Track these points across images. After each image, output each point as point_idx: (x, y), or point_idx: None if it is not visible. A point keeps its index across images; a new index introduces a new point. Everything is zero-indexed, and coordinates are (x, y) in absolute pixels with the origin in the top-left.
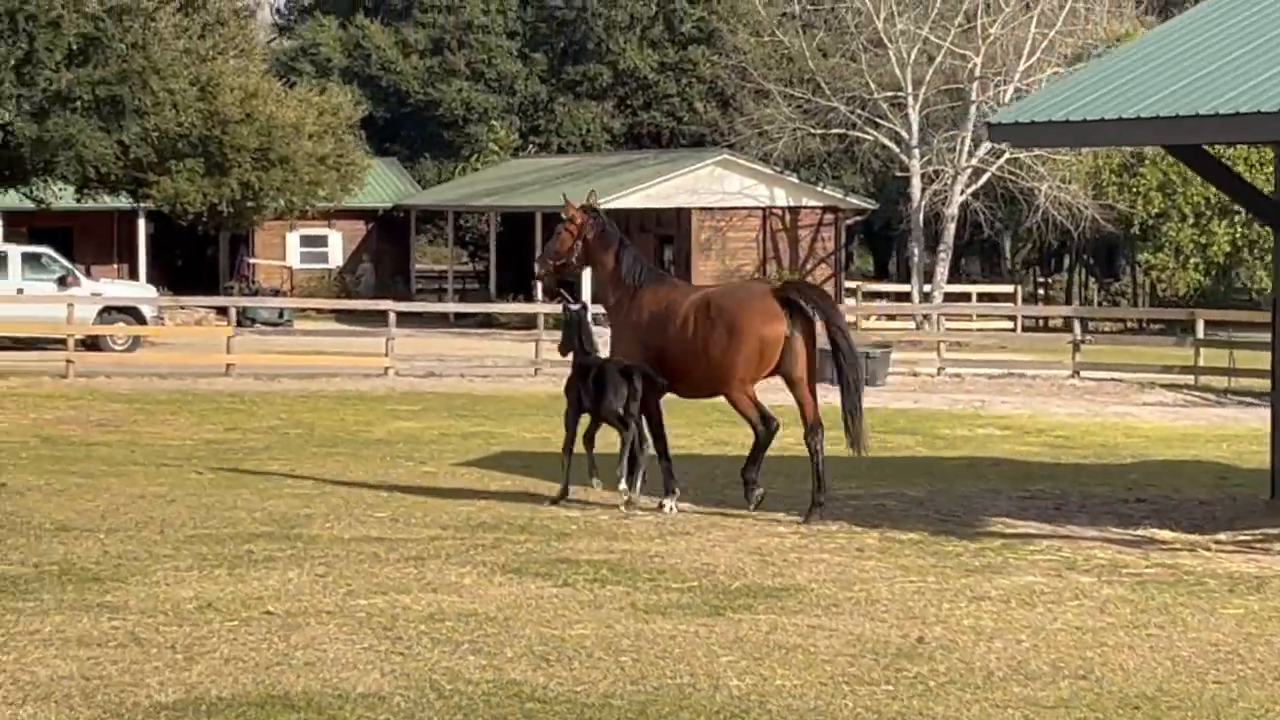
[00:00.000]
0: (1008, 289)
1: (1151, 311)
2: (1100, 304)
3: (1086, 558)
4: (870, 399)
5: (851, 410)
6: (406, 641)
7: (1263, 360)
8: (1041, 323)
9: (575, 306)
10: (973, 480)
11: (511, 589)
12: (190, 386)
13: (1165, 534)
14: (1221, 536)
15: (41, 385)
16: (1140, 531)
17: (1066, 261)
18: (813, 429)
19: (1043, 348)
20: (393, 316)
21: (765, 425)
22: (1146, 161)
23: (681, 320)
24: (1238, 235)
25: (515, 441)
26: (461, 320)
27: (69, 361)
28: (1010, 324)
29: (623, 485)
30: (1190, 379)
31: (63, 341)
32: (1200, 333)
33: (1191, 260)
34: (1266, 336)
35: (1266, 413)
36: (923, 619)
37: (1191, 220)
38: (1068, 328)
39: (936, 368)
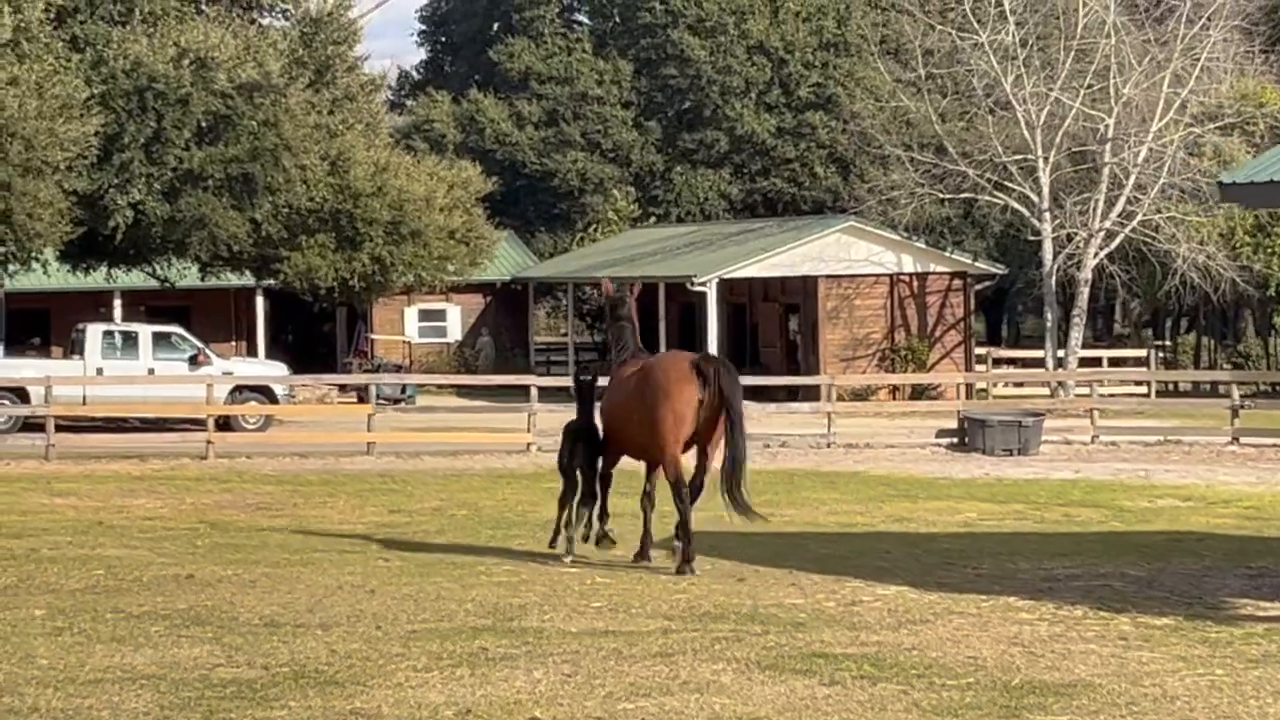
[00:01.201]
0: (1139, 353)
1: None
2: (1223, 367)
3: None
4: (1029, 469)
5: (733, 480)
6: None
7: None
8: (1171, 387)
9: (585, 376)
10: (1187, 557)
11: (778, 688)
12: (334, 466)
13: None
14: None
15: (185, 467)
16: None
17: (1172, 324)
18: (692, 487)
19: (1195, 413)
20: (534, 391)
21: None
22: None
23: (624, 388)
24: None
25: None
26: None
27: (209, 442)
28: (1144, 389)
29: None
30: None
31: (193, 422)
32: None
33: None
34: None
35: None
36: (1238, 719)
37: None
38: (1198, 391)
39: (1090, 435)
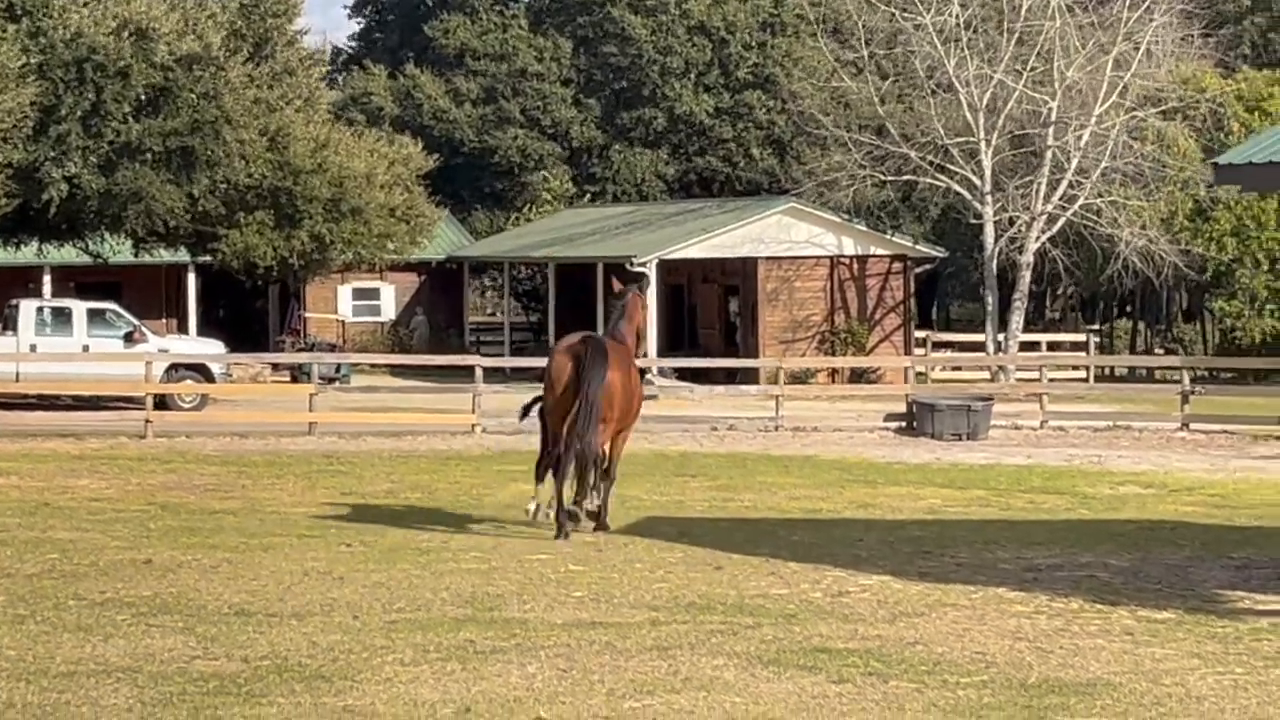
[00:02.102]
0: (1078, 338)
1: (1272, 361)
2: (1156, 352)
3: None
4: (981, 454)
5: (563, 459)
6: None
7: None
8: (1108, 371)
9: None
10: (1166, 547)
11: (785, 685)
12: (277, 447)
13: None
14: None
15: (124, 447)
16: None
17: (1103, 308)
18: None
19: (1138, 398)
20: (479, 372)
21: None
22: (1220, 206)
23: None
24: None
25: (652, 505)
26: (518, 375)
27: (148, 421)
28: (1083, 374)
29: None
30: None
31: (126, 400)
32: None
33: (1268, 307)
34: None
35: None
36: None
37: (1266, 266)
38: (1134, 376)
39: (1040, 420)
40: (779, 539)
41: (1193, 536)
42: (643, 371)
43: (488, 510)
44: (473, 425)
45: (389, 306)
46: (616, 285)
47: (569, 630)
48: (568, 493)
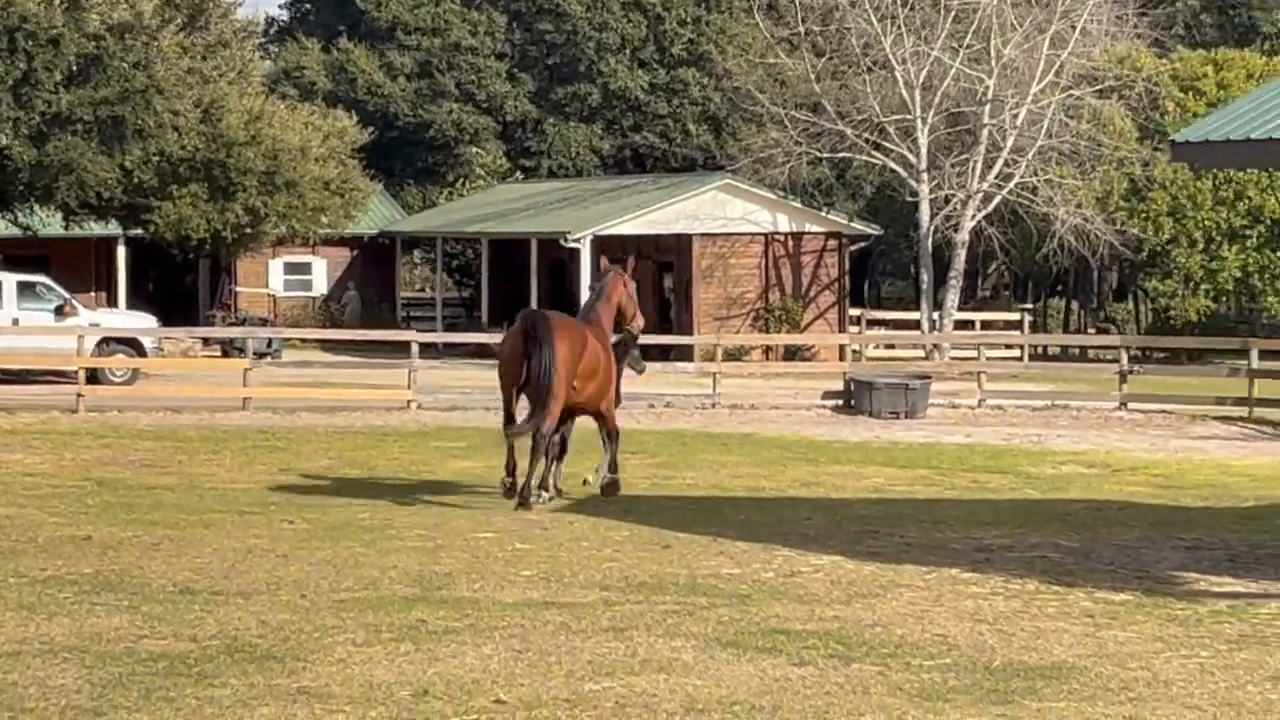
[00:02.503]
0: (1012, 316)
1: (1207, 340)
2: (1089, 331)
3: None
4: (920, 432)
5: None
6: None
7: None
8: (1041, 350)
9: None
10: (1115, 527)
11: (746, 668)
12: (211, 422)
13: None
14: None
15: (56, 421)
16: None
17: (1034, 287)
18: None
19: (1073, 377)
20: (415, 347)
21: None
22: (1156, 185)
23: None
24: (1249, 261)
25: (595, 482)
26: (451, 350)
27: (80, 395)
28: (1017, 352)
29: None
30: (1243, 411)
31: (55, 373)
32: (1255, 362)
33: (1202, 287)
34: None
35: None
36: (1244, 708)
37: (1201, 246)
38: (1067, 355)
39: (977, 399)
40: (725, 517)
41: (1140, 517)
42: None
43: (429, 487)
44: (408, 401)
45: (320, 281)
46: (604, 263)
47: (521, 610)
48: (531, 467)
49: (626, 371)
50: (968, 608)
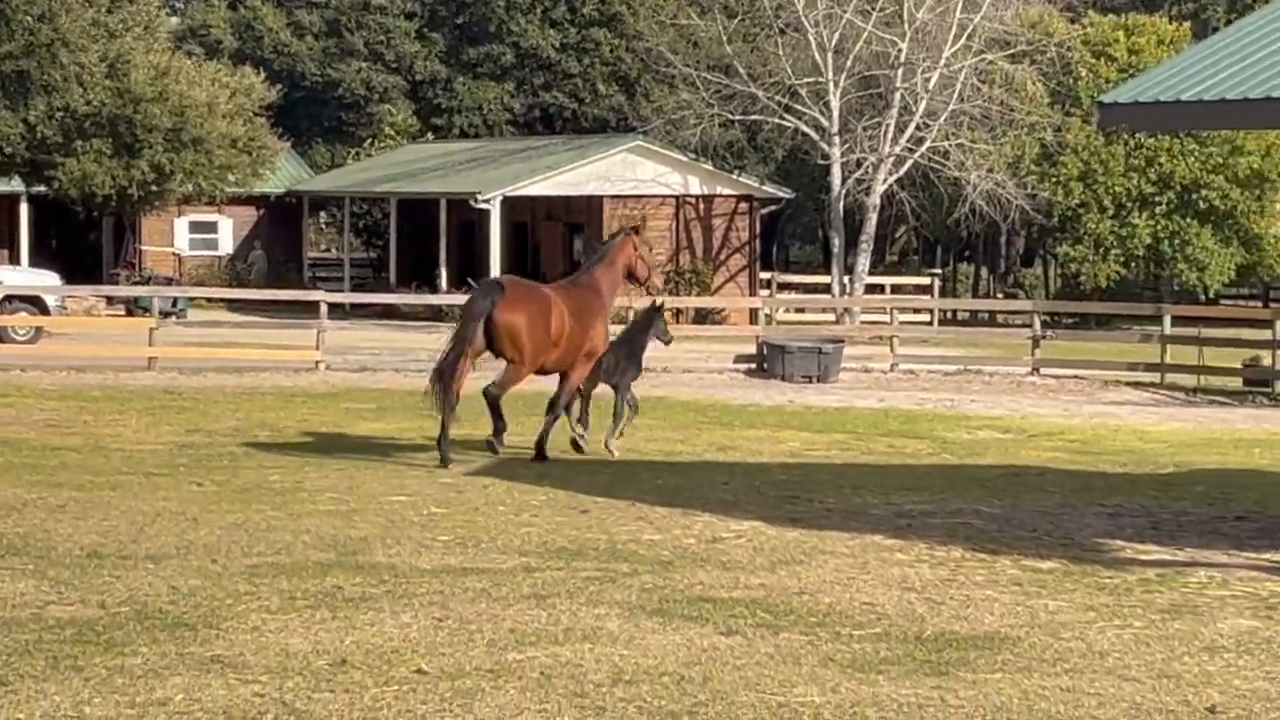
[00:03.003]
0: (922, 281)
1: (1119, 306)
2: (998, 296)
3: (1271, 592)
4: (833, 396)
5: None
6: (616, 714)
7: (1228, 357)
8: (950, 315)
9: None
10: (1035, 493)
11: (672, 637)
12: (116, 382)
13: None
14: None
15: None
16: (1273, 556)
17: (941, 252)
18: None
19: (983, 342)
20: (324, 308)
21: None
22: (1068, 150)
23: None
24: (1159, 227)
25: (507, 445)
26: (358, 311)
27: None
28: (927, 317)
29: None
30: (1155, 377)
31: None
32: (1168, 328)
33: (1112, 252)
34: (1220, 332)
35: (1256, 412)
36: (1182, 680)
37: (1112, 211)
38: (976, 320)
39: (890, 364)
40: (642, 482)
41: (1060, 483)
42: None
43: (339, 449)
44: (316, 362)
45: (226, 240)
46: (616, 226)
47: (440, 576)
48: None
49: (653, 342)
50: (894, 575)
